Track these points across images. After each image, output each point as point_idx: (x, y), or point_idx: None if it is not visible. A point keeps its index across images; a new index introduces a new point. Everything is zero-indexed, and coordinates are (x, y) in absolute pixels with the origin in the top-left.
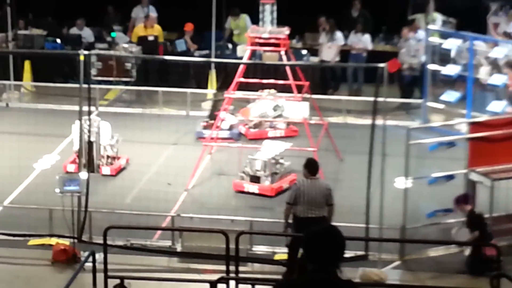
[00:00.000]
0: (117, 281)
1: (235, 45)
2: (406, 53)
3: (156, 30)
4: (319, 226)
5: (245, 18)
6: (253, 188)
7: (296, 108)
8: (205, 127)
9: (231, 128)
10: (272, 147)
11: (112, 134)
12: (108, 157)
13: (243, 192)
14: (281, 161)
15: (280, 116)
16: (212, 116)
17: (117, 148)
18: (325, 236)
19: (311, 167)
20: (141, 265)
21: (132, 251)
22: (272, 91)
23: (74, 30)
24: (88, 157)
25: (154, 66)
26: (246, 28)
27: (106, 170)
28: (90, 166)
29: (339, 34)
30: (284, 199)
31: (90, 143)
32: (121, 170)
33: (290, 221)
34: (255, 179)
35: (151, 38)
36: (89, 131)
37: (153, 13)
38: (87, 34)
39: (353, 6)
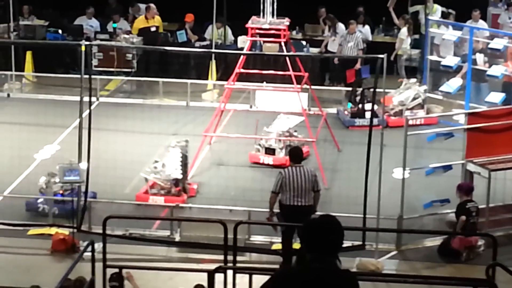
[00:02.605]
0: (116, 270)
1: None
2: (353, 46)
3: (157, 21)
4: (319, 216)
5: (228, 30)
6: (268, 159)
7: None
8: (353, 115)
9: (375, 115)
10: (286, 121)
11: None
12: None
13: (258, 163)
14: (294, 133)
15: (419, 105)
16: (356, 102)
17: None
18: (323, 226)
19: (294, 155)
20: (140, 254)
21: (131, 241)
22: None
23: (82, 20)
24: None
25: (155, 57)
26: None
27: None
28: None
29: (341, 27)
30: None
31: (185, 165)
32: None
33: (277, 210)
34: (270, 151)
35: (153, 29)
36: (186, 152)
37: (149, 5)
38: (96, 24)
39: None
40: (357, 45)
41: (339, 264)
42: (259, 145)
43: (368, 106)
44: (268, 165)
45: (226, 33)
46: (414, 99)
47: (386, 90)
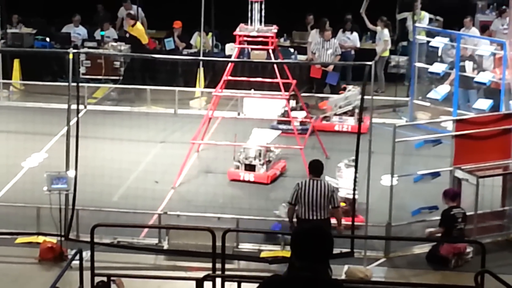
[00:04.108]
0: (102, 278)
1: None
2: (332, 53)
3: (135, 31)
4: (308, 224)
5: (210, 36)
6: (249, 176)
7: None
8: (279, 122)
9: (302, 123)
10: (262, 135)
11: None
12: None
13: (238, 180)
14: (272, 148)
15: (350, 111)
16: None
17: None
18: (311, 234)
19: (313, 168)
20: (128, 262)
21: (119, 249)
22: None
23: (69, 27)
24: None
25: (143, 65)
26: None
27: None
28: None
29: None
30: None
31: None
32: None
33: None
34: (250, 167)
35: (127, 35)
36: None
37: (130, 12)
38: (83, 32)
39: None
40: (335, 51)
41: (330, 272)
42: (239, 161)
43: (294, 113)
44: (248, 182)
45: (208, 40)
46: (346, 105)
47: (327, 95)
